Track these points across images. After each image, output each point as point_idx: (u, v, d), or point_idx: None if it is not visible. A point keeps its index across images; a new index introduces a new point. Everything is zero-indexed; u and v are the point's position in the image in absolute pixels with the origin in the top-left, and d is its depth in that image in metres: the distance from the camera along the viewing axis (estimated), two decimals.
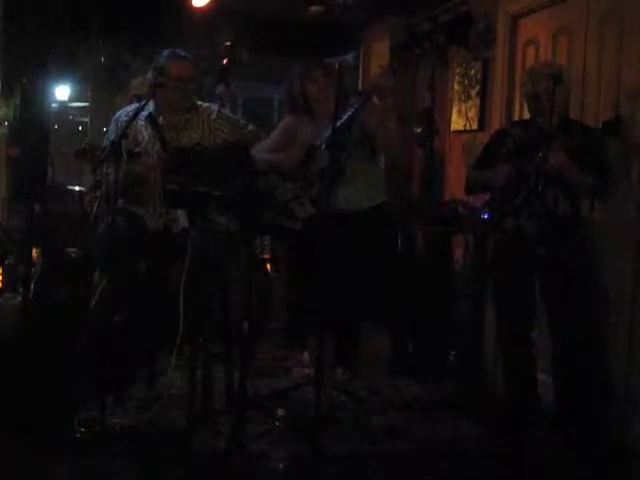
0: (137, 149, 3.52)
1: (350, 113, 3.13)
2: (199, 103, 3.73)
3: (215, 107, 3.79)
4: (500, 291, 3.61)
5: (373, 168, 3.54)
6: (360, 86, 5.99)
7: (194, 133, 3.63)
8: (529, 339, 3.53)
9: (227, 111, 3.95)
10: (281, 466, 2.90)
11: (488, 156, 3.60)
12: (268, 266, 5.50)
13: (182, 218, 3.41)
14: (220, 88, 4.48)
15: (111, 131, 3.65)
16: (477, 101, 4.84)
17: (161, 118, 3.63)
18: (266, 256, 5.50)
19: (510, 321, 3.55)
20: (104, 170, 3.31)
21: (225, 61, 4.59)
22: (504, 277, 3.56)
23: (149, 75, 3.69)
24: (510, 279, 3.51)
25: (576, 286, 3.41)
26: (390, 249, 3.59)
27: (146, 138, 3.61)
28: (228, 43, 4.70)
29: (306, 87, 3.49)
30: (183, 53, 3.62)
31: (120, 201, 3.46)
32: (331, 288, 3.15)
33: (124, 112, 3.66)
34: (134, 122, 3.44)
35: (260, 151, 3.52)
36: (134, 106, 3.58)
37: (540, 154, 3.28)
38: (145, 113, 3.58)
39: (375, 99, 3.28)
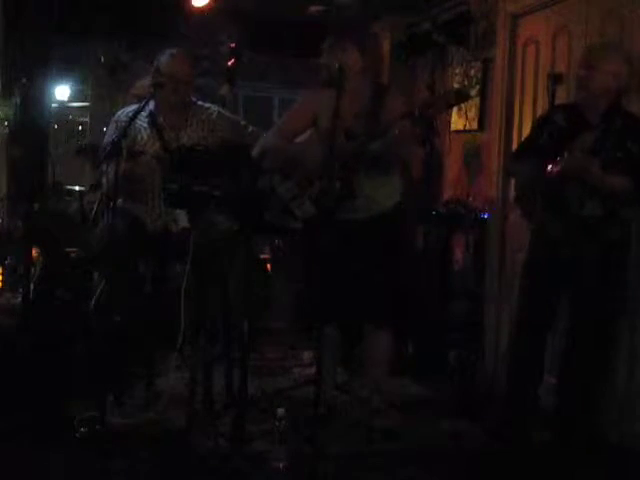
0: (137, 148, 3.53)
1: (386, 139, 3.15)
2: (200, 103, 3.73)
3: (215, 107, 3.79)
4: (522, 290, 3.49)
5: (388, 181, 3.50)
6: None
7: (194, 133, 3.63)
8: (544, 342, 3.42)
9: (227, 112, 3.95)
10: (281, 466, 2.89)
11: (528, 144, 3.48)
12: (268, 266, 5.50)
13: (182, 218, 3.41)
14: (225, 88, 4.47)
15: (110, 131, 3.65)
16: (477, 101, 4.83)
17: (161, 118, 3.63)
18: (266, 256, 5.51)
19: (528, 322, 3.42)
20: (104, 170, 3.31)
21: (231, 62, 4.59)
22: (528, 277, 3.45)
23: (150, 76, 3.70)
24: (533, 279, 3.40)
25: (600, 290, 3.23)
26: (396, 247, 3.58)
27: (145, 138, 3.61)
28: (233, 44, 4.71)
29: (337, 56, 3.32)
30: (180, 51, 3.62)
31: (120, 201, 3.47)
32: (337, 288, 3.17)
33: (123, 112, 3.66)
34: (134, 122, 3.44)
35: (273, 137, 3.50)
36: (134, 106, 3.58)
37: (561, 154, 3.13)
38: (145, 113, 3.58)
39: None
